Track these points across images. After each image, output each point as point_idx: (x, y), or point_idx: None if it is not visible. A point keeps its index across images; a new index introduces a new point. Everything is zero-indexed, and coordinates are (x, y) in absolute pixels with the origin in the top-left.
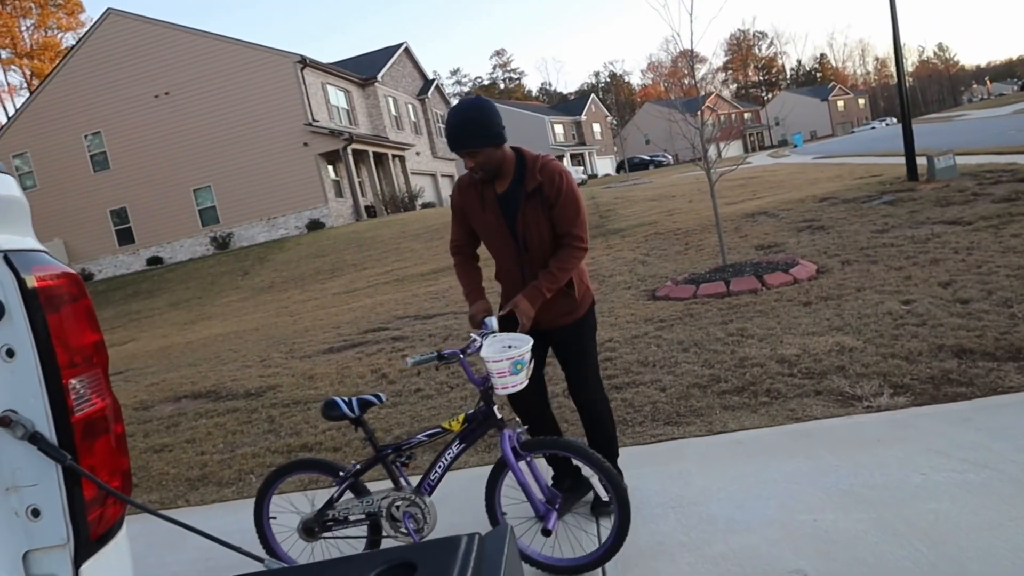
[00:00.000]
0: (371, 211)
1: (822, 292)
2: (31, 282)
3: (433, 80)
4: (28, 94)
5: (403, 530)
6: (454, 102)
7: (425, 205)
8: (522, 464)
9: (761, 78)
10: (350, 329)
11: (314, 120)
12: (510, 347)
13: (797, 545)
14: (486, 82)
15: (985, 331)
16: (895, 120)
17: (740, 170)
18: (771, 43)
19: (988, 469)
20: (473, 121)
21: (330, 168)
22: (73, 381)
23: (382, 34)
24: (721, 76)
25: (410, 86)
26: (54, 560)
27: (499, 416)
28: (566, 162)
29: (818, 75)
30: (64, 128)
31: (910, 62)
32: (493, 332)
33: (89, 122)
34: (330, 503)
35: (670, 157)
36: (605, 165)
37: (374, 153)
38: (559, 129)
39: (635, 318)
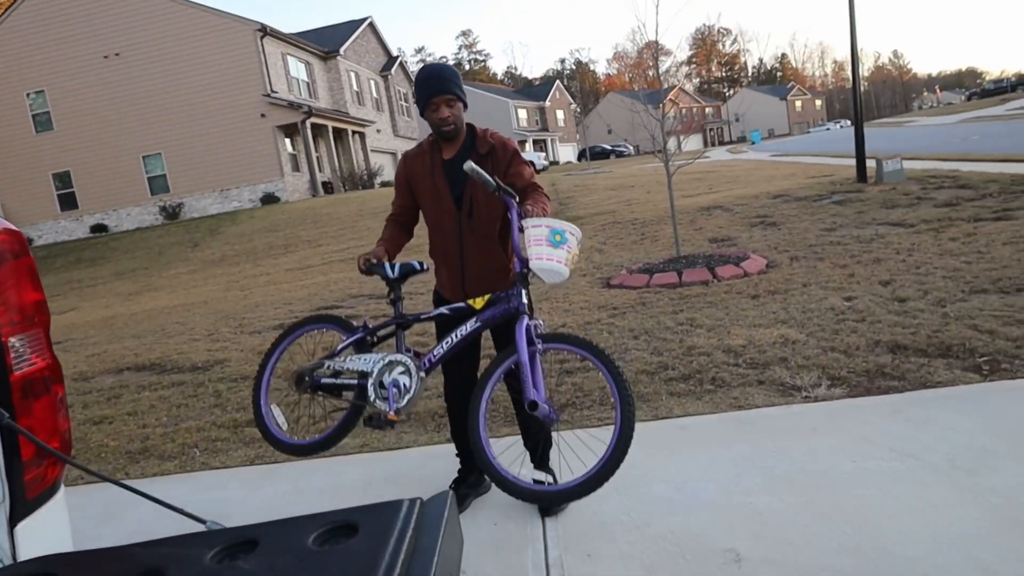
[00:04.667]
0: (328, 187)
1: (770, 286)
2: None
3: (397, 57)
4: None
5: (384, 397)
6: None
7: (385, 184)
8: (530, 353)
9: (724, 74)
10: (303, 306)
11: (273, 91)
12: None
13: (732, 526)
14: (451, 62)
15: (919, 329)
16: (849, 122)
17: (699, 164)
18: (735, 40)
19: (913, 458)
20: (455, 74)
21: (287, 141)
22: (12, 339)
23: (346, 6)
24: (685, 70)
25: (373, 62)
26: None
27: (524, 301)
28: (528, 147)
29: (778, 74)
30: (4, 84)
31: (866, 67)
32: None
33: (32, 79)
34: (331, 353)
35: (631, 148)
36: (567, 152)
37: (334, 128)
38: (523, 114)
39: (589, 305)
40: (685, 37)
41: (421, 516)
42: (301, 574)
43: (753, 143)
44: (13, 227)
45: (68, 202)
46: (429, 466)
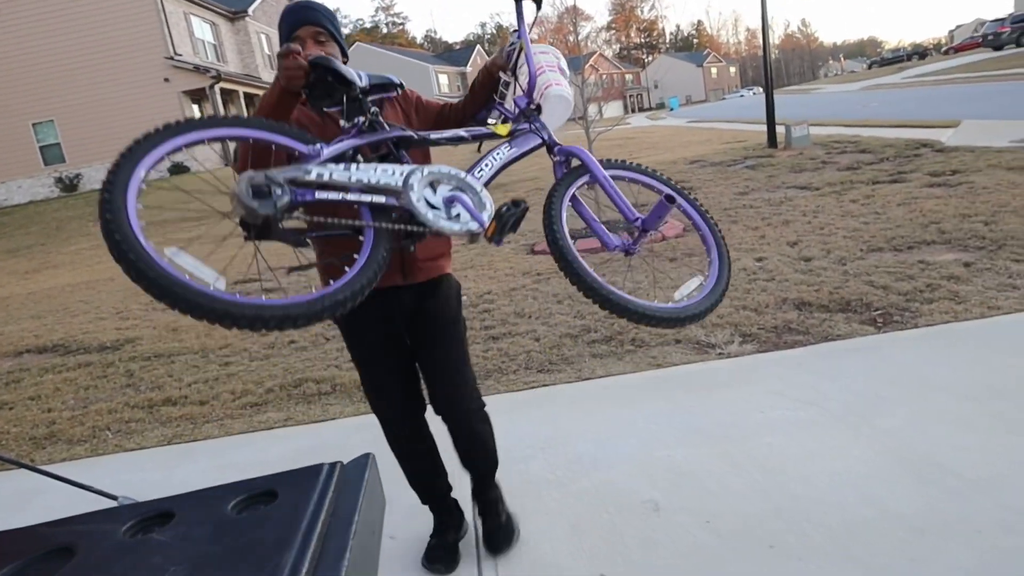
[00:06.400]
0: None
1: (687, 249)
2: None
3: None
4: None
5: (454, 211)
6: None
7: None
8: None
9: (642, 40)
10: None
11: (176, 54)
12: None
13: (652, 478)
14: (368, 25)
15: (822, 286)
16: (761, 89)
17: (619, 131)
18: (652, 6)
19: (814, 407)
20: (329, 11)
21: (195, 108)
22: None
23: None
24: (604, 36)
25: None
26: None
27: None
28: None
29: (695, 41)
30: None
31: (776, 35)
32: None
33: None
34: (310, 157)
35: None
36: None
37: (245, 93)
38: (444, 79)
39: (513, 271)
40: (605, 3)
41: (341, 479)
42: (218, 542)
43: (671, 109)
44: None
45: None
46: (357, 436)
